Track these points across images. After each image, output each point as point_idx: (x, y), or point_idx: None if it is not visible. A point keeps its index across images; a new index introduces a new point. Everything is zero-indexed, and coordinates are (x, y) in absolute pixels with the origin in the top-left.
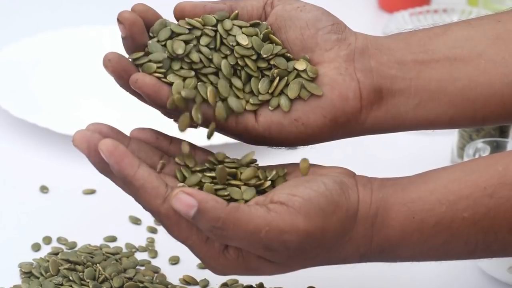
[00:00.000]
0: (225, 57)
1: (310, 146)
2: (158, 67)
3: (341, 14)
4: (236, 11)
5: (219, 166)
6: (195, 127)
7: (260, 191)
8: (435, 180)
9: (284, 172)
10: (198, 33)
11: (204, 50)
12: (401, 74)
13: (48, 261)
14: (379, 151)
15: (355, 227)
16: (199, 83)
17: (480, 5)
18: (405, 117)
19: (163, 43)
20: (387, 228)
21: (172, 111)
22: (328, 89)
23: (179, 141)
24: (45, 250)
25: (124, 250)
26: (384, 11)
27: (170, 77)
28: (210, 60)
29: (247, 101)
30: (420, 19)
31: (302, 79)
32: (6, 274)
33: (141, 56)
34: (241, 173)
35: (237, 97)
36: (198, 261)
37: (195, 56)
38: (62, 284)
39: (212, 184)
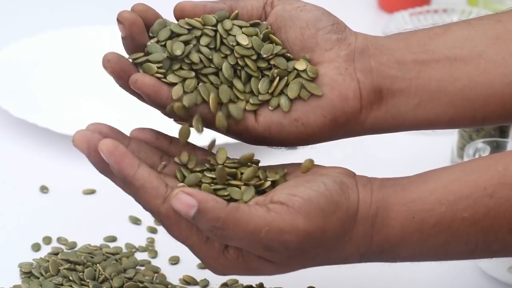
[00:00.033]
0: (225, 57)
1: (310, 146)
2: (157, 67)
3: (341, 14)
4: (236, 11)
5: (219, 166)
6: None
7: (260, 191)
8: (435, 180)
9: (284, 172)
10: (198, 33)
11: (204, 50)
12: (401, 74)
13: (48, 261)
14: (379, 151)
15: (355, 227)
16: (199, 84)
17: (480, 5)
18: (405, 117)
19: (163, 43)
20: (387, 228)
21: (172, 112)
22: (328, 89)
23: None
24: (45, 250)
25: (124, 250)
26: (384, 11)
27: (170, 77)
28: (210, 60)
29: (247, 101)
30: (420, 19)
31: (302, 79)
32: (6, 274)
33: (140, 56)
34: (241, 173)
35: (238, 99)
36: (198, 261)
37: (195, 57)
38: (62, 284)
39: (210, 185)
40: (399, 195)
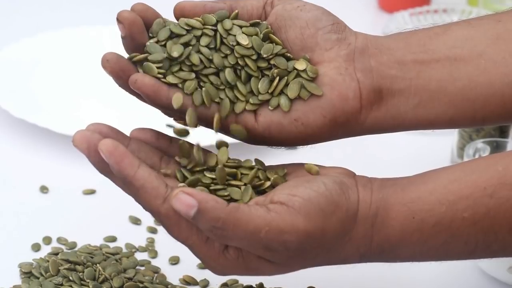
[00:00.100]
0: (225, 56)
1: (310, 146)
2: (157, 67)
3: (341, 14)
4: (236, 11)
5: (219, 166)
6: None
7: (260, 191)
8: (435, 180)
9: (284, 172)
10: (198, 33)
11: (204, 50)
12: (401, 74)
13: (48, 261)
14: (379, 151)
15: (355, 227)
16: (201, 88)
17: (480, 5)
18: (405, 117)
19: (163, 43)
20: (387, 228)
21: (172, 112)
22: (328, 89)
23: (180, 141)
24: (45, 250)
25: (124, 250)
26: (384, 11)
27: (170, 78)
28: (211, 61)
29: (247, 101)
30: (420, 19)
31: (302, 79)
32: (6, 274)
33: (140, 56)
34: (241, 173)
35: (238, 99)
36: (198, 261)
37: (195, 58)
38: (62, 284)
39: (210, 185)
40: (399, 195)
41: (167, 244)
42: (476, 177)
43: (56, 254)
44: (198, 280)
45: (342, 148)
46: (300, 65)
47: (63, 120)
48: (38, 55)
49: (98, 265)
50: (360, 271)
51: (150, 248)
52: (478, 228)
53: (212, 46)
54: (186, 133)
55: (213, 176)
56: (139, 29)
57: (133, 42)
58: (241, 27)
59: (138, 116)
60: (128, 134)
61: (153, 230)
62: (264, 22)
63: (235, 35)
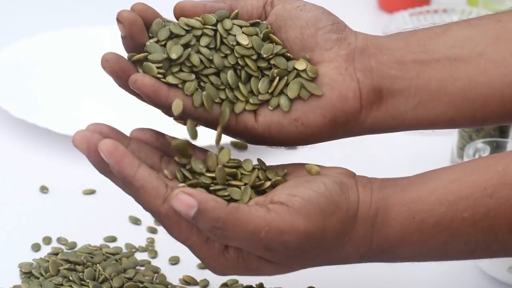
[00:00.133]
0: (225, 56)
1: (310, 146)
2: (157, 68)
3: (341, 14)
4: (236, 11)
5: (219, 166)
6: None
7: (260, 191)
8: (435, 181)
9: (284, 172)
10: (198, 33)
11: (204, 51)
12: (401, 74)
13: (48, 261)
14: (379, 151)
15: (355, 228)
16: (202, 90)
17: (480, 5)
18: (405, 117)
19: (163, 43)
20: (387, 228)
21: (171, 112)
22: (328, 89)
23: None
24: (45, 250)
25: (124, 250)
26: (384, 11)
27: (170, 79)
28: (211, 61)
29: (247, 101)
30: (420, 19)
31: (302, 79)
32: (6, 274)
33: (139, 55)
34: (241, 173)
35: (238, 99)
36: (198, 261)
37: (195, 60)
38: (62, 284)
39: (210, 185)
40: (399, 195)
41: (167, 244)
42: (476, 177)
43: (56, 254)
44: (198, 280)
45: (342, 148)
46: (300, 65)
47: (63, 120)
48: (38, 55)
49: (98, 265)
50: (360, 271)
51: (150, 248)
52: (478, 228)
53: (212, 46)
54: (184, 148)
55: (213, 175)
56: (139, 29)
57: (133, 42)
58: (241, 27)
59: (138, 116)
60: (128, 134)
61: (153, 230)
62: (264, 22)
63: (235, 35)
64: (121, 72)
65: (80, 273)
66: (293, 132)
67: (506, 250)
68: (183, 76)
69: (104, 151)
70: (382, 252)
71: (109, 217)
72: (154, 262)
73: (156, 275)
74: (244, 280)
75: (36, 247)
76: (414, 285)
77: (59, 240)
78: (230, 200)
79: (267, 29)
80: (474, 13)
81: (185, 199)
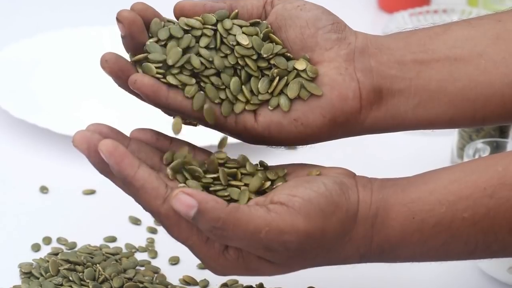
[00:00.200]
0: (225, 56)
1: (309, 145)
2: (157, 67)
3: (341, 14)
4: (236, 10)
5: (219, 168)
6: (195, 125)
7: (260, 191)
8: (435, 181)
9: (284, 172)
10: (198, 33)
11: (204, 52)
12: (401, 74)
13: (48, 261)
14: (379, 151)
15: (355, 228)
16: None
17: (480, 6)
18: (404, 117)
19: (163, 43)
20: (387, 228)
21: (171, 112)
22: (328, 89)
23: (179, 141)
24: (45, 251)
25: (124, 250)
26: (384, 11)
27: (170, 78)
28: (211, 62)
29: (247, 102)
30: (420, 19)
31: (301, 79)
32: (6, 274)
33: (139, 56)
34: (241, 173)
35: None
36: (198, 261)
37: (196, 63)
38: (62, 285)
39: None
40: (399, 195)
41: (167, 244)
42: (476, 178)
43: (56, 254)
44: (198, 280)
45: (342, 148)
46: (300, 65)
47: (63, 121)
48: (38, 55)
49: (98, 265)
50: (360, 272)
51: (150, 248)
52: (478, 228)
53: (212, 46)
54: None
55: (214, 176)
56: (139, 29)
57: (133, 41)
58: (241, 26)
59: (138, 116)
60: (128, 134)
61: (153, 230)
62: (264, 21)
63: (235, 35)
64: (120, 72)
65: (80, 273)
66: (293, 132)
67: (506, 250)
68: (184, 79)
69: (104, 151)
70: (382, 252)
71: (109, 217)
72: (154, 262)
73: (156, 275)
74: (244, 280)
75: (36, 247)
76: (414, 285)
77: (59, 240)
78: (230, 200)
79: (267, 28)
80: (474, 13)
81: (185, 199)
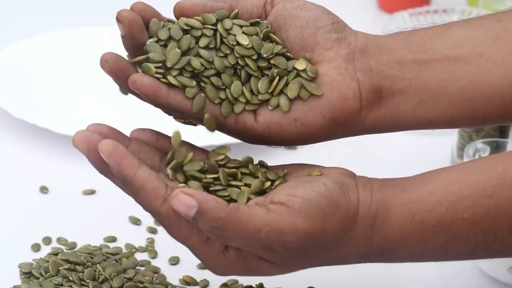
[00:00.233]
0: (225, 56)
1: (309, 145)
2: (157, 67)
3: (341, 14)
4: (236, 10)
5: (220, 168)
6: (195, 125)
7: (261, 192)
8: (435, 181)
9: (284, 172)
10: (198, 33)
11: (204, 53)
12: (401, 74)
13: (48, 261)
14: (379, 152)
15: (355, 228)
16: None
17: (480, 6)
18: (404, 116)
19: (163, 42)
20: (387, 228)
21: (171, 111)
22: (328, 89)
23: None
24: (45, 251)
25: (124, 250)
26: (384, 11)
27: (170, 78)
28: (211, 63)
29: (247, 102)
30: (420, 19)
31: (301, 79)
32: (6, 274)
33: (140, 57)
34: (241, 173)
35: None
36: (198, 261)
37: (196, 64)
38: (62, 285)
39: (210, 185)
40: (399, 195)
41: (167, 244)
42: (476, 178)
43: (56, 254)
44: (198, 280)
45: (342, 148)
46: (300, 64)
47: (63, 121)
48: (38, 55)
49: (98, 265)
50: (360, 272)
51: (150, 248)
52: (478, 228)
53: (211, 46)
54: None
55: (214, 176)
56: (138, 28)
57: (132, 41)
58: (241, 26)
59: (138, 116)
60: (128, 134)
61: (153, 231)
62: (264, 21)
63: (235, 35)
64: (120, 72)
65: (80, 273)
66: (293, 132)
67: (506, 250)
68: (184, 81)
69: (104, 152)
70: (382, 252)
71: (109, 217)
72: (154, 262)
73: (156, 275)
74: (244, 280)
75: (36, 247)
76: (414, 286)
77: (59, 240)
78: (230, 200)
79: (267, 28)
80: (474, 13)
81: (185, 199)
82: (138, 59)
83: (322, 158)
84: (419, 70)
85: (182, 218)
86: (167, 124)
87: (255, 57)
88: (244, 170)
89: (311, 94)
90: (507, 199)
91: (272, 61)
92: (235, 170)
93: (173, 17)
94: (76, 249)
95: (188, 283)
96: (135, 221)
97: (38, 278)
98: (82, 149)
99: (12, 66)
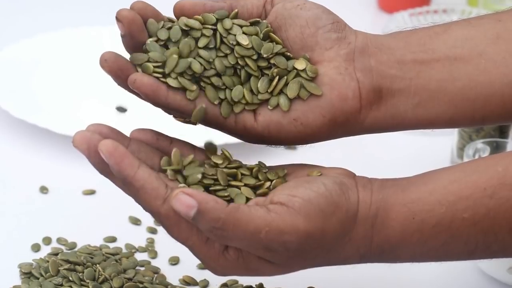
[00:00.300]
0: (225, 56)
1: (309, 145)
2: (157, 67)
3: (341, 14)
4: (236, 10)
5: (219, 169)
6: (194, 124)
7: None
8: (435, 181)
9: (284, 173)
10: (197, 34)
11: (204, 53)
12: (401, 74)
13: (48, 261)
14: (379, 152)
15: (355, 228)
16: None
17: (480, 6)
18: (404, 116)
19: (162, 42)
20: (387, 229)
21: (171, 111)
22: (328, 89)
23: (180, 141)
24: (45, 251)
25: (124, 250)
26: (384, 11)
27: (169, 80)
28: (211, 63)
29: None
30: (419, 19)
31: (301, 79)
32: (6, 274)
33: (141, 60)
34: (241, 173)
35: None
36: (198, 261)
37: (196, 67)
38: (62, 285)
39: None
40: (399, 195)
41: (167, 245)
42: (476, 178)
43: (56, 254)
44: (198, 281)
45: (342, 148)
46: (300, 64)
47: (63, 121)
48: (38, 56)
49: (98, 265)
50: (360, 272)
51: (150, 248)
52: (478, 228)
53: (211, 46)
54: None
55: (214, 177)
56: (138, 28)
57: (132, 40)
58: (241, 26)
59: (138, 116)
60: (128, 134)
61: (153, 231)
62: (264, 21)
63: (235, 35)
64: (119, 71)
65: (80, 274)
66: (293, 132)
67: (506, 250)
68: (184, 83)
69: (104, 152)
70: (382, 252)
71: (109, 217)
72: (154, 263)
73: (156, 275)
74: (244, 280)
75: (36, 248)
76: (414, 286)
77: (59, 240)
78: (230, 200)
79: (267, 28)
80: (474, 13)
81: (185, 199)
82: (138, 61)
83: (321, 158)
84: (419, 69)
85: (182, 218)
86: (167, 124)
87: (255, 57)
88: (244, 171)
89: (311, 94)
90: (507, 199)
91: (272, 61)
92: (235, 170)
93: (173, 16)
94: (76, 249)
95: (188, 283)
96: (135, 221)
97: (38, 278)
98: (82, 149)
99: (12, 66)
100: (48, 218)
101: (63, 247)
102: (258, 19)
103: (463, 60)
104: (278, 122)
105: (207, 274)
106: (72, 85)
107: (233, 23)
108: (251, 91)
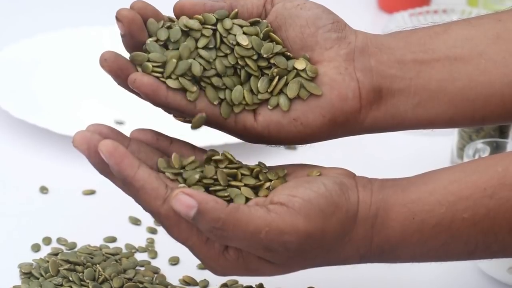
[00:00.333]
0: (225, 56)
1: (309, 145)
2: (156, 67)
3: (341, 14)
4: (236, 10)
5: (219, 169)
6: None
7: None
8: (435, 181)
9: (284, 173)
10: (197, 35)
11: (204, 54)
12: (401, 74)
13: (48, 261)
14: (379, 152)
15: (355, 228)
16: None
17: (480, 6)
18: (404, 116)
19: (162, 42)
20: (387, 229)
21: (171, 110)
22: (328, 89)
23: (180, 142)
24: (45, 251)
25: (124, 250)
26: (384, 11)
27: (169, 82)
28: (211, 63)
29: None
30: (419, 19)
31: (301, 79)
32: (6, 274)
33: (139, 55)
34: (241, 174)
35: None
36: (198, 261)
37: (196, 69)
38: (62, 285)
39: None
40: (399, 196)
41: (167, 245)
42: (476, 178)
43: (56, 254)
44: (198, 281)
45: (342, 148)
46: (300, 64)
47: (63, 121)
48: (38, 56)
49: (98, 265)
50: (360, 272)
51: (150, 248)
52: (478, 228)
53: (211, 46)
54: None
55: (214, 177)
56: (138, 27)
57: (132, 40)
58: (241, 26)
59: (138, 116)
60: (128, 135)
61: (153, 231)
62: (264, 20)
63: (235, 35)
64: (119, 71)
65: (80, 274)
66: (292, 132)
67: (506, 250)
68: (185, 84)
69: (104, 152)
70: (382, 252)
71: (109, 217)
72: (154, 263)
73: (156, 275)
74: (244, 280)
75: (36, 248)
76: (414, 286)
77: (59, 240)
78: (230, 200)
79: (267, 28)
80: (474, 13)
81: (185, 199)
82: (138, 61)
83: (321, 158)
84: (419, 69)
85: (182, 219)
86: (167, 124)
87: (255, 57)
88: (244, 171)
89: (311, 94)
90: (507, 200)
91: (272, 61)
92: (235, 170)
93: (173, 16)
94: (76, 249)
95: (188, 283)
96: (135, 221)
97: (38, 278)
98: (82, 150)
99: (12, 66)
100: (48, 218)
101: (63, 247)
102: (258, 19)
103: (463, 60)
104: (278, 122)
105: (207, 274)
106: (72, 85)
107: (233, 23)
108: (251, 91)
